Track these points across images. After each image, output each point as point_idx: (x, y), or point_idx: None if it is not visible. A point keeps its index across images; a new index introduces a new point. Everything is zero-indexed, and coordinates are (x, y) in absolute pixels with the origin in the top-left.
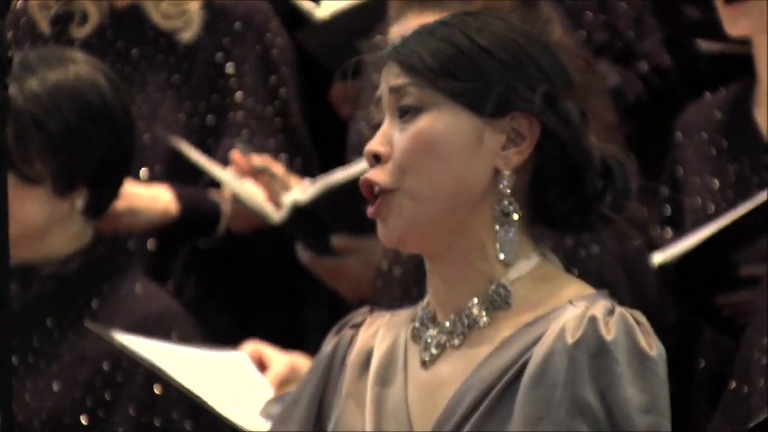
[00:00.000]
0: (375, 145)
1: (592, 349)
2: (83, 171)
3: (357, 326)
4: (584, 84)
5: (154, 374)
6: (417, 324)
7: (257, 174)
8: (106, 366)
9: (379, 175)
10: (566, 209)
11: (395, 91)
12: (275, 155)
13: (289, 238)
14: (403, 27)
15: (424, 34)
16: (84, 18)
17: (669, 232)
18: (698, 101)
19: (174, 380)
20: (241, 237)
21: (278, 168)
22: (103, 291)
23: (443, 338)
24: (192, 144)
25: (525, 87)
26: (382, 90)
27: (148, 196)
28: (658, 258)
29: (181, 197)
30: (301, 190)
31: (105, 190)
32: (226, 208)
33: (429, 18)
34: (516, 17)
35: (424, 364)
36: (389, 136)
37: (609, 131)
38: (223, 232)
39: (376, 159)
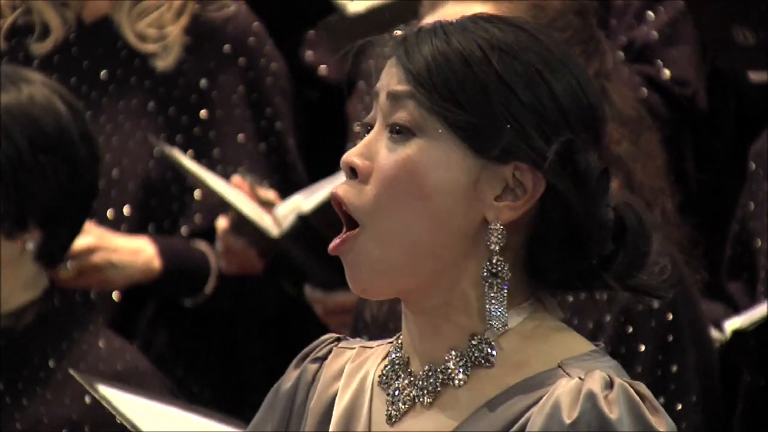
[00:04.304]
0: (353, 155)
1: (594, 428)
2: (35, 209)
3: (321, 359)
4: (637, 120)
5: None
6: (388, 366)
7: (261, 206)
8: None
9: (351, 194)
10: (564, 275)
11: (393, 97)
12: None
13: (284, 268)
14: (438, 15)
15: (436, 36)
16: (45, 31)
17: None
18: None
19: None
20: (225, 290)
21: None
22: (61, 348)
23: (413, 392)
24: (166, 182)
25: (538, 135)
26: (380, 87)
27: (128, 250)
28: (734, 323)
29: (164, 252)
30: (303, 199)
31: (60, 233)
32: (213, 262)
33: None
34: (569, 36)
35: (390, 419)
36: (373, 149)
37: (659, 173)
38: (211, 290)
39: (353, 173)
